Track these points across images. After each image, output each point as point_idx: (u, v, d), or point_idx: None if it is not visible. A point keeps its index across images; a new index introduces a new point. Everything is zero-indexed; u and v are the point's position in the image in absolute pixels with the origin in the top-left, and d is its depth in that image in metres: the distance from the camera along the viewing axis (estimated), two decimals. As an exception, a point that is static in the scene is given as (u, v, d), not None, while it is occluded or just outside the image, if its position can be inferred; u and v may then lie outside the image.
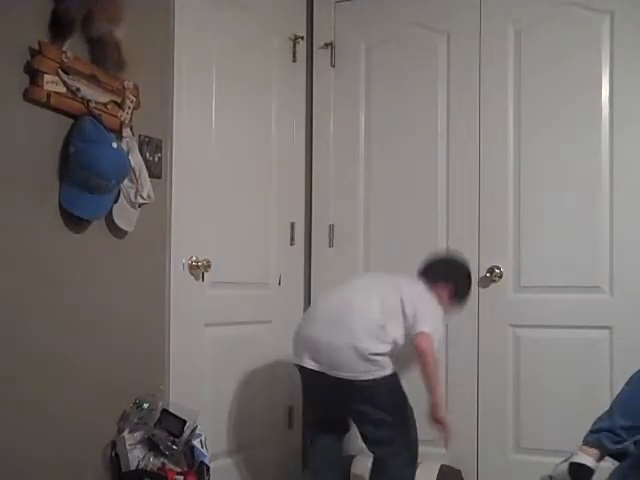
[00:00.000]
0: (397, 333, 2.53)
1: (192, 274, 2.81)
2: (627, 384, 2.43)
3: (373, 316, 2.55)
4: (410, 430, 2.64)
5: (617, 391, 2.47)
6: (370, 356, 2.50)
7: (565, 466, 2.39)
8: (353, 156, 3.45)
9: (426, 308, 2.58)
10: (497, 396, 3.13)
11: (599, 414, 2.41)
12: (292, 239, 3.43)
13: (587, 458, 2.36)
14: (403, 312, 2.54)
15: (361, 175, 3.44)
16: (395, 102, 3.37)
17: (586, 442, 2.39)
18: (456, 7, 3.27)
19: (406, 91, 3.36)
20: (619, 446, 2.34)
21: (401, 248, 3.30)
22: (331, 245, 3.49)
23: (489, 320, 3.16)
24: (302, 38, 3.46)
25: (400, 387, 2.61)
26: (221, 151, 2.97)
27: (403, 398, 2.63)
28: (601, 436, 2.36)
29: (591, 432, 2.40)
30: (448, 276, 2.78)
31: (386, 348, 2.52)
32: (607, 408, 2.41)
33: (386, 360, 2.53)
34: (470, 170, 3.21)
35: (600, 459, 2.36)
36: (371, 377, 2.51)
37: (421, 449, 2.69)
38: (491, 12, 3.21)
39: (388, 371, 2.53)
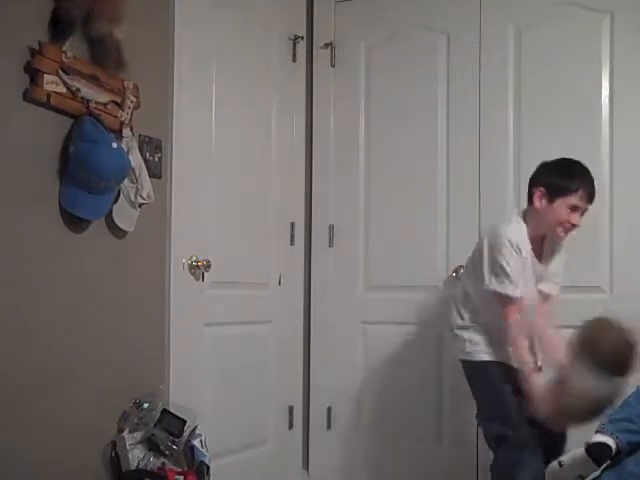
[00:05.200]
0: None
1: (192, 274, 2.81)
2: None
3: None
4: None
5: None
6: None
7: (579, 451, 2.30)
8: (353, 156, 3.45)
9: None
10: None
11: None
12: (292, 239, 3.43)
13: (607, 438, 2.28)
14: None
15: (361, 175, 3.44)
16: (395, 102, 3.37)
17: (602, 430, 2.31)
18: (456, 7, 3.27)
19: (406, 91, 3.35)
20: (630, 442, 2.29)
21: (401, 248, 3.31)
22: (331, 245, 3.49)
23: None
24: (302, 38, 3.47)
25: None
26: (221, 151, 2.96)
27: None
28: (616, 427, 2.29)
29: (607, 422, 2.32)
30: (532, 180, 2.58)
31: None
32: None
33: None
34: (470, 170, 3.21)
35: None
36: None
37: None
38: (491, 12, 3.21)
39: None
